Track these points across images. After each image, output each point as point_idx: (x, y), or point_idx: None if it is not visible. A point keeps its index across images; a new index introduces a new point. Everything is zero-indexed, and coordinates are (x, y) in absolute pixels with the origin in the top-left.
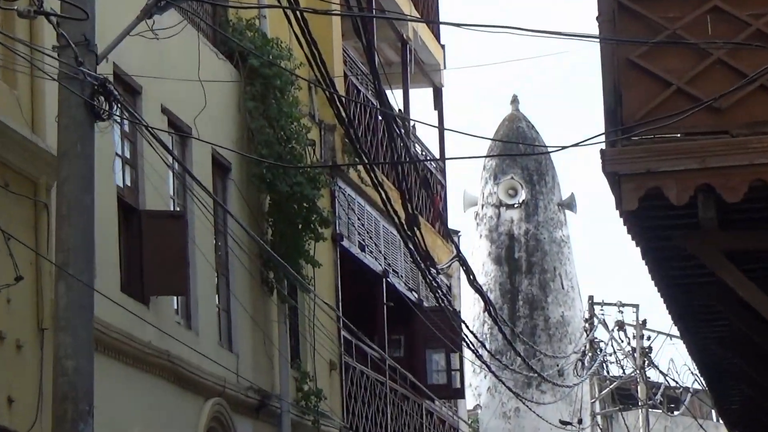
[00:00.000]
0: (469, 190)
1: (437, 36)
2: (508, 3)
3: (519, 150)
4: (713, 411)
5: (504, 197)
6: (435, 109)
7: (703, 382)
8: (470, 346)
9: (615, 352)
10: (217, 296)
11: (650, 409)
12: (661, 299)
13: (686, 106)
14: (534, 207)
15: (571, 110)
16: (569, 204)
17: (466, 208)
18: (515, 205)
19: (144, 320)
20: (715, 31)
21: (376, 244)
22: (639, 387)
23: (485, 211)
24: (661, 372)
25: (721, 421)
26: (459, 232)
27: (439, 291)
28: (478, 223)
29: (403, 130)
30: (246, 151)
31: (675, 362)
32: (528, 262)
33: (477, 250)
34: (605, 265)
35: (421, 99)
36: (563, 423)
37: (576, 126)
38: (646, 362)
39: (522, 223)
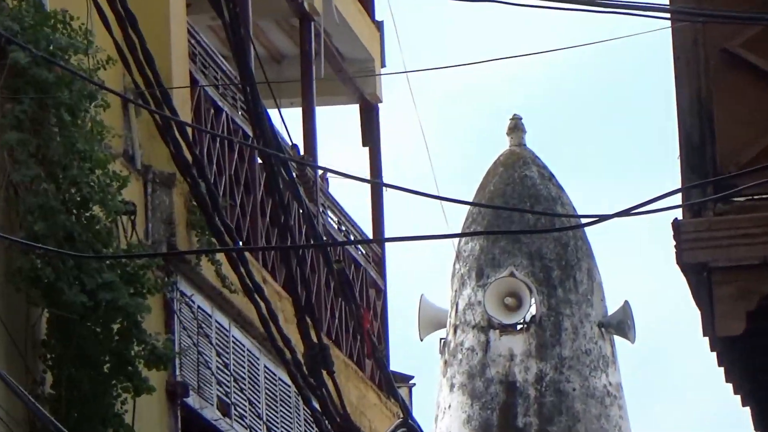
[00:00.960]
0: (430, 296)
1: (370, 10)
2: None
3: (526, 223)
4: None
5: (497, 312)
6: (365, 144)
7: None
8: None
9: None
10: None
11: None
12: None
13: None
14: (554, 330)
15: (613, 144)
16: (620, 323)
17: (425, 332)
18: (518, 327)
19: None
20: None
21: (251, 403)
22: None
23: (461, 337)
24: None
25: None
26: (411, 379)
27: None
28: (447, 360)
29: (301, 187)
30: (2, 225)
31: None
32: None
33: (445, 412)
34: None
35: (342, 121)
36: None
37: (628, 178)
38: None
39: (531, 362)
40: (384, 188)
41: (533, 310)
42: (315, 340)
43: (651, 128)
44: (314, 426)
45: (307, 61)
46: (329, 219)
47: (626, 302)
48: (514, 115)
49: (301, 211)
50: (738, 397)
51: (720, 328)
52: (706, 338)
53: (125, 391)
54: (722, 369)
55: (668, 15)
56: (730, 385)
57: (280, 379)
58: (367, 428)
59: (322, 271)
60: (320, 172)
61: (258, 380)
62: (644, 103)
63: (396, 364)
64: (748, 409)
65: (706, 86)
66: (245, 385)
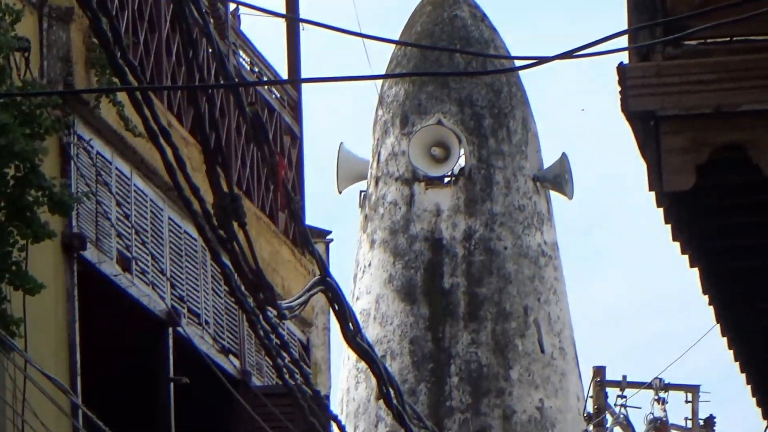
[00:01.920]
0: (349, 145)
1: None
2: None
3: (455, 66)
4: None
5: (422, 163)
6: None
7: None
8: None
9: None
10: None
11: None
12: (744, 375)
13: None
14: (485, 184)
15: None
16: (557, 178)
17: (344, 184)
18: (446, 180)
19: None
20: None
21: (154, 258)
22: None
23: (383, 190)
24: None
25: None
26: (329, 234)
27: (286, 356)
28: (368, 215)
29: (211, 24)
30: None
31: None
32: (471, 299)
33: (365, 270)
34: (628, 304)
35: None
36: None
37: (570, 22)
38: None
39: (459, 218)
40: (301, 25)
41: (462, 162)
42: (225, 189)
43: None
44: (223, 283)
45: None
46: (241, 59)
47: (564, 155)
48: None
49: (210, 50)
50: (686, 258)
51: (668, 182)
52: (653, 193)
53: (22, 238)
54: (669, 227)
55: None
56: (677, 245)
57: (186, 232)
58: (280, 286)
59: (233, 115)
60: (232, 7)
61: (162, 233)
62: None
63: (312, 219)
64: (696, 270)
65: None
66: (148, 238)
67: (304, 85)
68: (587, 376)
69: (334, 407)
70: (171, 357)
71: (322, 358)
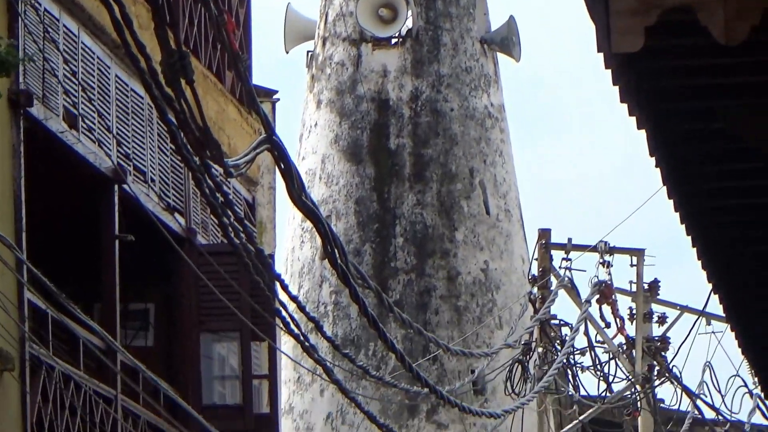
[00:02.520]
0: (297, 4)
1: None
2: None
3: None
4: None
5: (370, 23)
6: None
7: None
8: (292, 327)
9: (592, 347)
10: None
11: None
12: (690, 238)
13: None
14: (432, 46)
15: None
16: (504, 40)
17: (291, 44)
18: (393, 41)
19: None
20: None
21: (101, 115)
22: (640, 419)
23: (330, 51)
24: (686, 389)
25: None
26: (275, 93)
27: (231, 214)
28: (315, 75)
29: None
30: None
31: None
32: (416, 159)
33: (311, 130)
34: (575, 168)
35: None
36: None
37: None
38: (657, 369)
39: (406, 79)
40: None
41: (410, 23)
42: (173, 46)
43: None
44: (169, 141)
45: None
46: None
47: (511, 17)
48: None
49: None
50: (633, 120)
51: (616, 44)
52: (601, 55)
53: None
54: (617, 89)
55: None
56: (624, 107)
57: (132, 89)
58: (226, 145)
59: None
60: None
61: (109, 91)
62: None
63: (259, 78)
64: (643, 132)
65: None
66: (94, 95)
67: None
68: (532, 238)
69: (279, 267)
70: (116, 214)
71: (267, 217)
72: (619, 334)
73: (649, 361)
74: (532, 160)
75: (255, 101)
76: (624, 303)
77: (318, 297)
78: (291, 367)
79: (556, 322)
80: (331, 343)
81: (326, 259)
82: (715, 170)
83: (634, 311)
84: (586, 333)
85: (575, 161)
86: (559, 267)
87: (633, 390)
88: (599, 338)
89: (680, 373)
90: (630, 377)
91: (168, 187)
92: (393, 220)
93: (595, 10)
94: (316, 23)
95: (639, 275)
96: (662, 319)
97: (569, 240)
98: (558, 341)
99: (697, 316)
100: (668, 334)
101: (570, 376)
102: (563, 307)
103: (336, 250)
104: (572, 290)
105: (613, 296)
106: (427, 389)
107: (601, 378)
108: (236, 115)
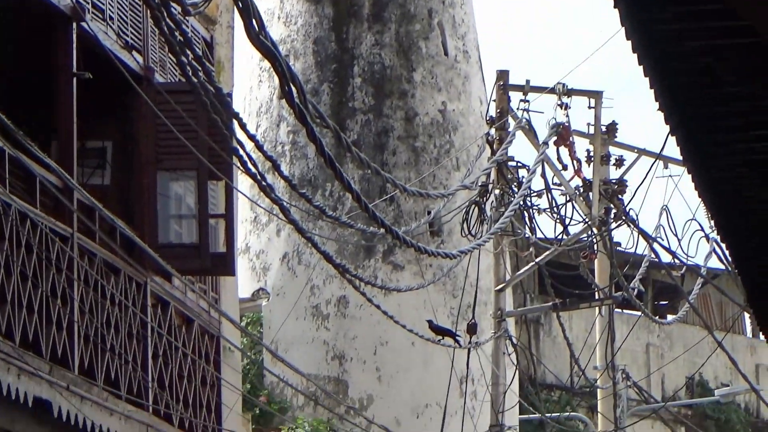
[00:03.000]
0: None
1: None
2: None
3: None
4: (747, 318)
5: None
6: None
7: (729, 258)
8: (249, 167)
9: (549, 189)
10: None
11: (622, 311)
12: (648, 80)
13: None
14: None
15: None
16: None
17: None
18: None
19: None
20: None
21: None
22: (596, 261)
23: None
24: (642, 232)
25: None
26: None
27: (189, 53)
28: None
29: None
30: None
31: (673, 213)
32: (375, 0)
33: None
34: (535, 10)
35: None
36: (437, 330)
37: None
38: (614, 212)
39: None
40: None
41: None
42: None
43: None
44: None
45: None
46: None
47: None
48: None
49: None
50: None
51: None
52: None
53: None
54: None
55: None
56: None
57: None
58: None
59: None
60: None
61: None
62: None
63: None
64: None
65: None
66: None
67: None
68: (491, 79)
69: (237, 106)
70: (74, 52)
71: (226, 56)
72: (576, 176)
73: (606, 204)
74: (492, 1)
75: None
76: (581, 145)
77: (275, 137)
78: (248, 207)
79: (514, 163)
80: (288, 182)
81: (284, 99)
82: (675, 11)
83: (592, 153)
84: (543, 175)
85: (535, 2)
86: (517, 108)
87: (589, 232)
88: (556, 180)
89: (637, 217)
90: (587, 220)
91: (126, 25)
92: (351, 60)
93: None
94: None
95: (597, 117)
96: (620, 162)
97: (527, 81)
98: (515, 183)
99: (654, 159)
100: (625, 177)
101: (527, 218)
102: (521, 149)
103: (294, 89)
104: (530, 132)
105: (571, 138)
106: (384, 230)
107: (558, 220)
108: None
